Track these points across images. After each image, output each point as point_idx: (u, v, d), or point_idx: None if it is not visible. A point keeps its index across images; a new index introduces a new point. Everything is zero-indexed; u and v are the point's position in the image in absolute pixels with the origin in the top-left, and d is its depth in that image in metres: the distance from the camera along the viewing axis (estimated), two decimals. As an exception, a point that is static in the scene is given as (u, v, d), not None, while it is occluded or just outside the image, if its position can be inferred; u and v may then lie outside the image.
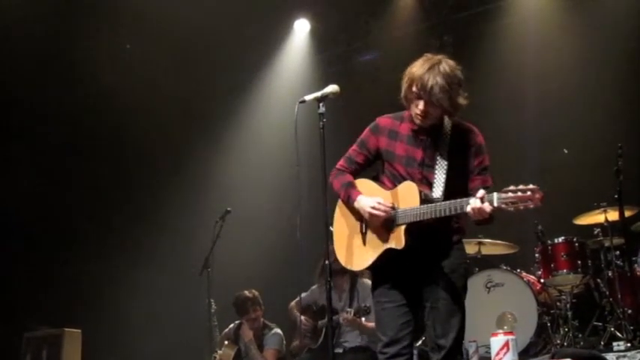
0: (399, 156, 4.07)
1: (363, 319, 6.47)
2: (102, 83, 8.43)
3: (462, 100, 3.93)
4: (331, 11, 9.64)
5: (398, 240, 3.93)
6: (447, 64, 3.90)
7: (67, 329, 7.36)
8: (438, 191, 3.93)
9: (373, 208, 3.98)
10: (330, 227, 4.21)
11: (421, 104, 3.91)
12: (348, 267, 4.20)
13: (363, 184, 4.20)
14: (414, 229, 3.91)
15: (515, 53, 8.86)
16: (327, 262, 4.22)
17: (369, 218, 4.05)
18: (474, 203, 3.67)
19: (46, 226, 8.33)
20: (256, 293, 7.25)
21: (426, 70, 3.87)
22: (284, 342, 7.19)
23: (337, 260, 4.28)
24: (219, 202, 7.83)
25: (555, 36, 8.71)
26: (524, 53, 8.83)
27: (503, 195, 3.62)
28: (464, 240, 4.20)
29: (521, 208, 3.59)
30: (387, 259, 4.01)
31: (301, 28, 9.80)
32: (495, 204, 3.63)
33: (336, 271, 6.57)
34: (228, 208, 7.08)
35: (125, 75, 8.55)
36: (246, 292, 7.21)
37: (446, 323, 3.93)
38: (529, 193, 3.58)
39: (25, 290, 8.04)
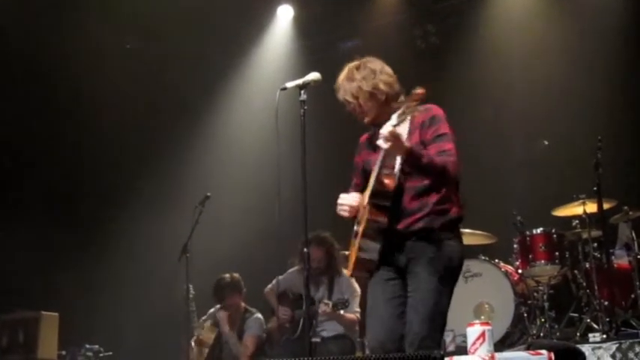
0: (373, 161, 4.05)
1: (342, 311, 6.45)
2: (83, 72, 8.39)
3: (382, 86, 4.05)
4: (315, -3, 9.58)
5: (362, 221, 3.96)
6: (357, 63, 4.13)
7: (44, 312, 7.30)
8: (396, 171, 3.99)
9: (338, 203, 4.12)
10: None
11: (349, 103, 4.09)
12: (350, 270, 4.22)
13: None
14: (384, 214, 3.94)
15: (498, 44, 8.86)
16: (305, 249, 4.23)
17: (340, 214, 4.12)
18: (382, 131, 3.76)
19: (25, 211, 8.27)
20: (237, 277, 7.20)
21: (340, 77, 4.15)
22: (264, 327, 7.17)
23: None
24: (199, 187, 7.79)
25: (539, 27, 8.72)
26: (507, 43, 8.83)
27: (399, 111, 3.75)
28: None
29: (416, 113, 3.77)
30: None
31: (284, 14, 9.71)
32: (395, 121, 3.73)
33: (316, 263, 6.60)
34: (208, 194, 7.02)
35: (106, 63, 8.50)
36: (227, 277, 7.15)
37: (409, 323, 3.91)
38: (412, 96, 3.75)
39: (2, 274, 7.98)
